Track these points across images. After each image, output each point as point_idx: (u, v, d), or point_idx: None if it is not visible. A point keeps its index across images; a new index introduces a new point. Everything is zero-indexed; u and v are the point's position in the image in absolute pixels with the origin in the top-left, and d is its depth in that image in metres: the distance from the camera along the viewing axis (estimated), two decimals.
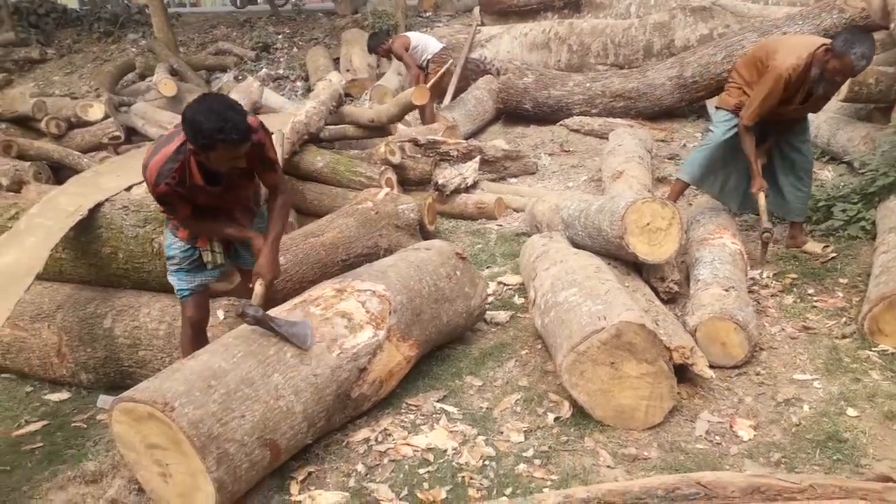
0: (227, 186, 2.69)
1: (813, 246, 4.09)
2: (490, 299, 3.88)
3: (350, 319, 2.81)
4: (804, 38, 3.95)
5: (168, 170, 2.50)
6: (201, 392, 2.33)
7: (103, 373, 3.42)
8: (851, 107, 5.74)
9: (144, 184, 4.40)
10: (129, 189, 4.02)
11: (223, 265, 2.93)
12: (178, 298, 2.92)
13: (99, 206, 3.45)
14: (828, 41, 3.61)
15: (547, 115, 7.49)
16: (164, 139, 2.58)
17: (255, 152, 2.58)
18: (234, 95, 7.47)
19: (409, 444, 2.68)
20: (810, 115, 4.10)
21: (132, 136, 7.62)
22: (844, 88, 5.20)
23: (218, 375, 2.41)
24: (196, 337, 2.88)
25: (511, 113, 7.74)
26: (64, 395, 3.44)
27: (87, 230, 3.40)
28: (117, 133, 7.37)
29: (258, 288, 2.67)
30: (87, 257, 3.45)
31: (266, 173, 2.76)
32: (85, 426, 3.13)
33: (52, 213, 3.46)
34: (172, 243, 2.83)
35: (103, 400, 3.28)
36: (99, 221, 3.41)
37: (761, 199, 3.88)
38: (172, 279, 2.87)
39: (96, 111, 7.71)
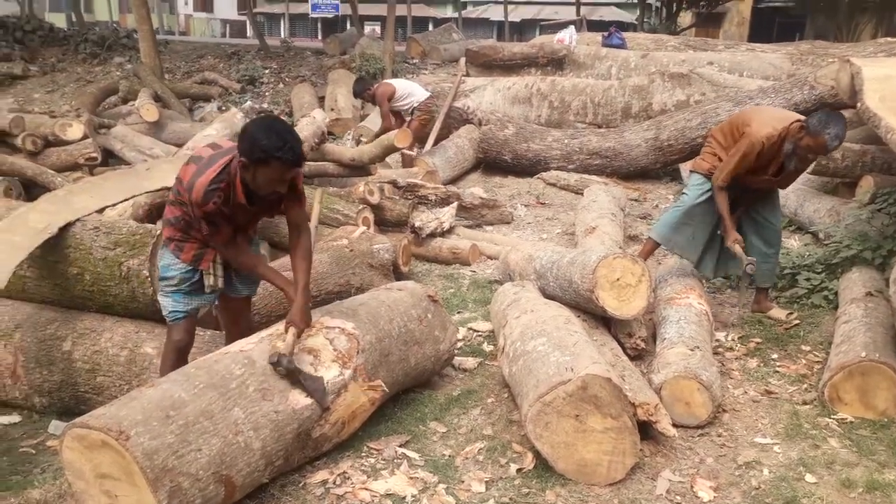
0: (258, 209, 2.79)
1: (778, 312, 4.17)
2: (459, 345, 3.87)
3: (316, 356, 2.77)
4: (779, 111, 4.11)
5: (214, 190, 2.57)
6: (159, 422, 2.27)
7: (58, 397, 3.33)
8: (818, 180, 5.94)
9: (118, 206, 4.40)
10: (101, 211, 3.97)
11: (221, 290, 2.92)
12: (168, 321, 2.88)
13: (69, 225, 3.40)
14: (802, 117, 3.75)
15: (525, 168, 7.62)
16: (205, 161, 2.64)
17: (291, 182, 2.67)
18: (216, 124, 7.50)
19: (367, 489, 2.63)
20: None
21: (109, 158, 7.56)
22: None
23: (177, 406, 2.35)
24: (179, 362, 2.83)
25: (490, 163, 7.86)
26: (14, 417, 3.33)
27: (54, 249, 3.33)
28: (94, 154, 7.31)
29: (290, 337, 2.69)
30: (53, 277, 3.38)
31: (294, 206, 2.82)
32: (34, 452, 3.03)
33: (21, 229, 3.40)
34: (171, 264, 2.81)
35: (55, 426, 3.18)
36: (68, 241, 3.35)
37: (738, 250, 3.94)
38: (166, 301, 2.85)
39: (75, 131, 7.66)
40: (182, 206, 2.71)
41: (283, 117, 10.47)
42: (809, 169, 5.43)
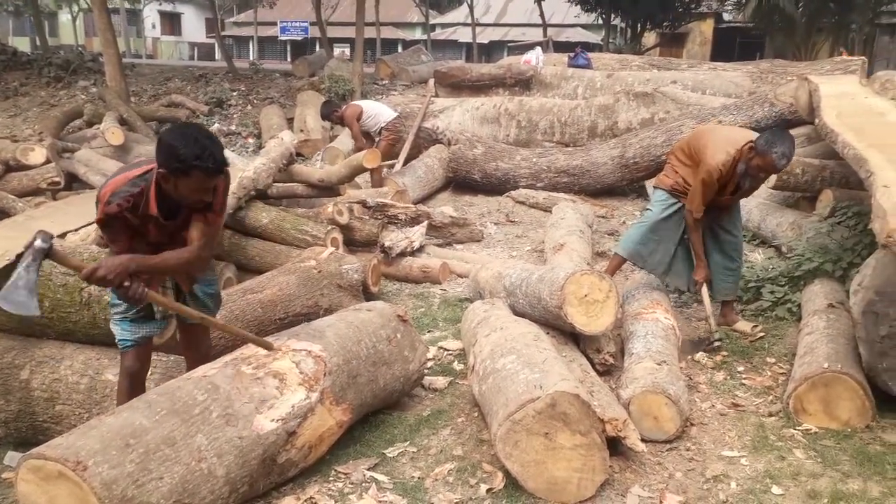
0: (179, 227, 2.60)
1: (743, 325, 4.23)
2: (430, 364, 3.85)
3: (282, 380, 2.73)
4: (732, 132, 4.21)
5: (125, 192, 2.44)
6: (118, 451, 2.22)
7: (14, 427, 3.22)
8: (780, 194, 6.06)
9: (80, 231, 4.33)
10: (63, 236, 3.90)
11: (171, 317, 2.84)
12: (119, 348, 2.80)
13: None
14: (753, 136, 3.86)
15: (494, 187, 7.67)
16: (127, 166, 2.56)
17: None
18: None
19: None
20: (743, 200, 4.32)
21: (73, 182, 7.45)
22: (773, 177, 5.50)
23: (138, 434, 2.30)
24: (133, 389, 2.74)
25: (460, 182, 7.90)
26: None
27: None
28: (57, 178, 7.20)
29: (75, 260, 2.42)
30: None
31: (197, 216, 2.57)
32: None
33: None
34: None
35: (11, 457, 3.08)
36: None
37: (704, 293, 4.10)
38: (116, 328, 2.77)
39: (37, 155, 7.54)
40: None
41: (251, 139, 10.44)
42: (771, 183, 5.56)
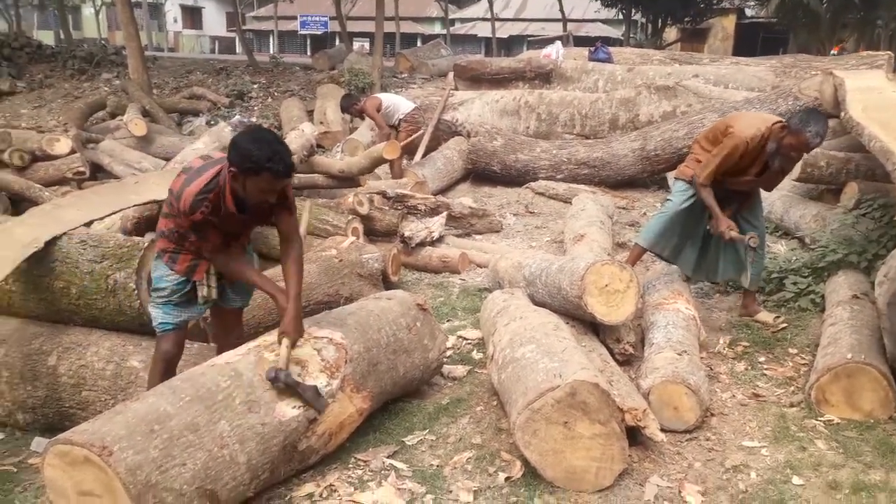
0: (248, 218, 2.80)
1: (765, 316, 4.19)
2: (449, 353, 3.87)
3: (304, 367, 2.76)
4: (761, 113, 4.16)
5: (202, 199, 2.59)
6: (143, 437, 2.25)
7: (42, 413, 3.28)
8: (804, 186, 5.99)
9: (105, 220, 4.38)
10: (88, 224, 3.95)
11: (214, 301, 2.92)
12: (158, 332, 2.88)
13: (56, 239, 3.38)
14: (782, 119, 3.80)
15: (514, 178, 7.66)
16: (193, 172, 2.66)
17: (280, 192, 2.68)
18: (205, 138, 7.50)
19: (354, 501, 2.60)
20: (765, 193, 4.26)
21: (97, 172, 7.54)
22: (797, 169, 5.44)
23: (162, 420, 2.33)
24: (166, 373, 2.81)
25: (479, 174, 7.90)
26: None
27: (40, 263, 3.31)
28: (82, 168, 7.29)
29: (284, 350, 2.68)
30: (38, 291, 3.35)
31: (283, 215, 2.82)
32: (15, 470, 2.97)
33: (7, 243, 3.37)
34: (165, 275, 2.82)
35: (37, 443, 3.13)
36: (54, 255, 3.33)
37: (734, 235, 3.92)
38: (157, 311, 2.85)
39: (62, 146, 7.63)
40: (175, 217, 2.72)
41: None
42: (794, 175, 5.49)
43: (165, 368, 2.83)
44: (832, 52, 16.99)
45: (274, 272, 3.51)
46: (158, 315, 2.85)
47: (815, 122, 3.62)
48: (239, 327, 3.16)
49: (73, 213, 3.74)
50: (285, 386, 2.61)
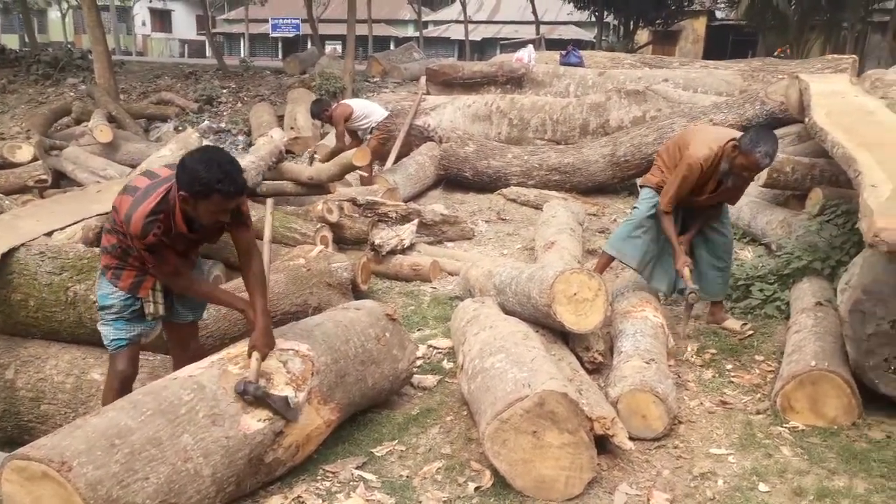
0: (200, 236, 2.75)
1: (732, 323, 4.23)
2: (419, 363, 3.85)
3: (269, 380, 2.72)
4: (718, 131, 4.21)
5: (152, 221, 2.52)
6: (103, 451, 2.21)
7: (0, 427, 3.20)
8: (770, 192, 6.07)
9: (66, 230, 4.29)
10: (49, 234, 3.87)
11: (163, 317, 2.86)
12: (110, 350, 2.81)
13: (13, 250, 3.30)
14: (737, 135, 3.85)
15: (486, 184, 7.67)
16: (141, 193, 2.58)
17: (235, 209, 2.64)
18: (172, 144, 7.38)
19: None
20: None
21: (61, 180, 7.40)
22: (764, 175, 5.51)
23: (123, 434, 2.29)
24: (122, 392, 2.73)
25: (451, 180, 7.89)
26: None
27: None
28: (44, 176, 7.14)
29: (254, 363, 2.65)
30: None
31: (240, 231, 2.77)
32: None
33: None
34: (111, 293, 2.75)
35: None
36: (12, 266, 3.26)
37: (686, 273, 4.01)
38: (107, 329, 2.78)
39: (24, 153, 7.48)
40: (118, 234, 2.66)
41: (240, 137, 10.39)
42: (761, 181, 5.57)
43: (121, 388, 2.76)
44: (776, 53, 17.43)
45: (237, 284, 3.47)
46: (109, 332, 2.78)
47: (765, 141, 3.68)
48: (195, 341, 3.09)
49: (32, 223, 3.67)
50: (255, 399, 2.57)
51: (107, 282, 2.76)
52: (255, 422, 2.59)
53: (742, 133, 3.87)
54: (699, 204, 4.05)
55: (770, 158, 3.71)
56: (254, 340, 2.70)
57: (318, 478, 2.81)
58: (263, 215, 5.19)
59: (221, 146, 9.55)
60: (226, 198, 2.49)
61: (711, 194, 3.99)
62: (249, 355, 2.69)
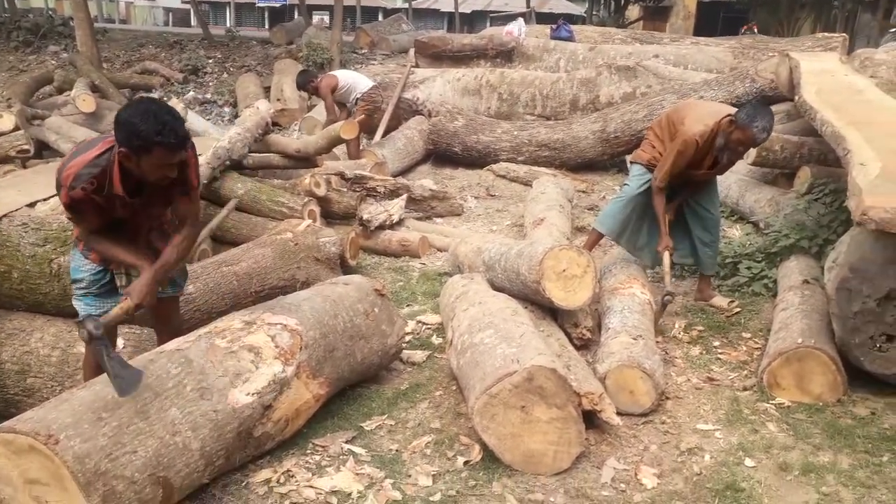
0: (146, 201, 2.54)
1: (720, 300, 4.26)
2: (408, 338, 3.85)
3: (257, 354, 2.70)
4: (712, 106, 4.20)
5: (87, 174, 2.35)
6: (90, 424, 2.19)
7: None
8: (759, 170, 6.09)
9: (49, 200, 4.22)
10: (31, 205, 3.81)
11: None
12: None
13: None
14: (732, 111, 3.84)
15: (475, 160, 7.62)
16: (85, 145, 2.45)
17: (178, 169, 2.46)
18: None
19: (312, 487, 2.58)
20: (720, 178, 4.32)
21: (43, 150, 7.26)
22: (753, 153, 5.52)
23: (110, 407, 2.27)
24: (99, 367, 2.69)
25: (440, 154, 7.83)
26: None
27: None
28: (26, 146, 7.01)
29: (117, 309, 2.48)
30: None
31: (181, 198, 2.61)
32: None
33: None
34: (81, 265, 2.64)
35: None
36: None
37: (666, 259, 4.03)
38: (79, 304, 2.68)
39: (6, 122, 7.33)
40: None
41: (226, 108, 10.25)
42: (750, 159, 5.57)
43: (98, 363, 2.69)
44: (742, 30, 17.46)
45: (224, 256, 3.43)
46: (81, 307, 2.67)
47: (762, 116, 3.67)
48: (176, 315, 3.00)
49: (13, 194, 3.60)
50: (90, 339, 2.35)
51: (79, 253, 2.65)
52: (244, 396, 2.58)
53: (737, 109, 3.86)
54: (693, 178, 4.04)
55: (767, 133, 3.71)
56: (130, 289, 2.49)
57: (308, 452, 2.81)
58: (249, 188, 5.14)
59: (206, 118, 9.44)
60: (168, 150, 2.32)
61: (709, 170, 3.99)
62: (122, 302, 2.49)
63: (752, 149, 3.96)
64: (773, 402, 3.23)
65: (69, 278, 3.05)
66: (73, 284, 2.70)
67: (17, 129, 7.31)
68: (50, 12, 17.36)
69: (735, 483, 2.64)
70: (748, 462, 2.79)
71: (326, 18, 24.92)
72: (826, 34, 10.19)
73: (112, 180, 2.40)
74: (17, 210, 3.43)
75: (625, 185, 4.39)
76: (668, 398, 3.28)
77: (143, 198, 2.52)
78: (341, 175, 5.69)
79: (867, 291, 3.12)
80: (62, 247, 3.10)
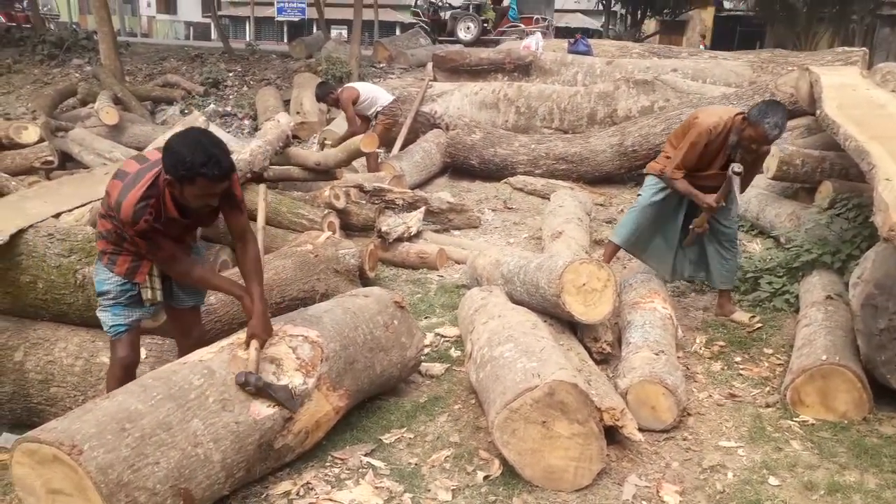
0: (195, 220, 2.70)
1: (741, 316, 4.22)
2: (426, 351, 3.84)
3: (279, 365, 2.71)
4: (724, 106, 4.19)
5: (143, 207, 2.46)
6: (113, 435, 2.21)
7: (9, 409, 3.21)
8: (779, 185, 6.04)
9: (74, 212, 4.27)
10: (57, 216, 3.85)
11: (161, 302, 2.82)
12: (111, 337, 2.76)
13: (22, 231, 3.29)
14: (744, 110, 3.82)
15: (492, 173, 7.63)
16: (131, 178, 2.53)
17: (224, 191, 2.56)
18: (178, 127, 7.35)
19: (331, 500, 2.58)
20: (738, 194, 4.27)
21: (67, 161, 7.36)
22: (773, 166, 5.48)
23: (133, 418, 2.28)
24: (125, 379, 2.69)
25: (458, 167, 7.86)
26: None
27: (6, 256, 3.22)
28: (51, 158, 7.09)
29: (253, 352, 2.61)
30: (4, 285, 3.26)
31: (233, 214, 2.72)
32: None
33: None
34: (107, 279, 2.70)
35: (6, 438, 3.06)
36: (20, 248, 3.24)
37: (710, 212, 3.97)
38: (105, 315, 2.73)
39: (31, 133, 7.43)
40: (112, 219, 2.60)
41: (246, 121, 10.34)
42: (770, 173, 5.53)
43: (124, 375, 2.71)
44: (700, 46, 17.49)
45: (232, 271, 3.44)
46: (108, 318, 2.72)
47: (774, 113, 3.63)
48: (198, 326, 3.03)
49: (39, 204, 3.65)
50: (256, 390, 2.55)
51: (103, 267, 2.70)
52: (265, 407, 2.59)
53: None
54: (706, 182, 3.97)
55: (779, 130, 3.66)
56: (252, 328, 2.66)
57: (328, 464, 2.81)
58: (269, 200, 5.18)
59: (227, 131, 9.53)
60: (211, 181, 2.42)
61: (721, 171, 3.93)
62: (247, 344, 2.66)
63: (766, 146, 3.88)
64: (797, 419, 3.18)
65: (94, 289, 3.10)
66: (99, 297, 2.74)
67: (41, 140, 7.40)
68: (74, 26, 17.64)
69: (759, 502, 2.61)
70: (772, 480, 2.75)
71: (345, 33, 25.20)
72: (846, 48, 10.12)
73: (166, 205, 2.52)
74: (42, 221, 3.47)
75: (638, 195, 4.38)
76: (689, 414, 3.24)
77: (191, 218, 2.64)
78: (360, 188, 5.72)
79: (893, 308, 3.08)
80: (87, 257, 3.14)
